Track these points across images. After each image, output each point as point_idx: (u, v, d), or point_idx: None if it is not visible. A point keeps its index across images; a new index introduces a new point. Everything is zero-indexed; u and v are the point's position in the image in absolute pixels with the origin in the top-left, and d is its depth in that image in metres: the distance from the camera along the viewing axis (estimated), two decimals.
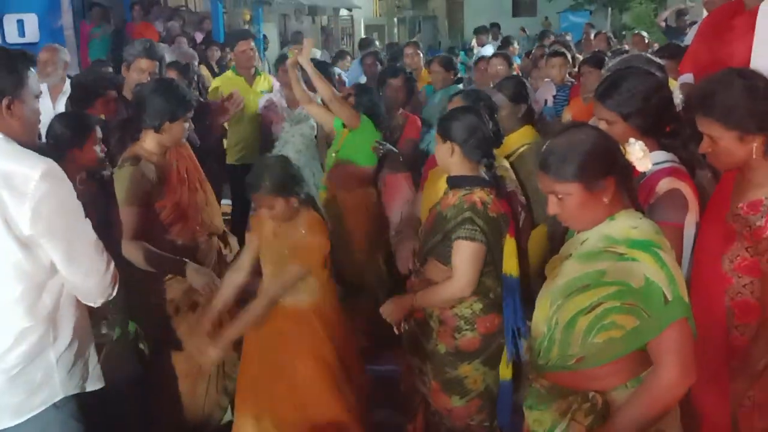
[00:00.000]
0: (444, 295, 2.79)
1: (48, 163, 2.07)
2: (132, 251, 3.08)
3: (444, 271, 2.81)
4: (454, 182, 2.83)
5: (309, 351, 2.96)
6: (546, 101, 5.47)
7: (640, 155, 2.01)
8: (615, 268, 1.92)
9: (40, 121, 2.33)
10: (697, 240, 2.39)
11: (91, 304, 2.26)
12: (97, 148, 3.18)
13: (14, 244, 2.06)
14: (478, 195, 2.76)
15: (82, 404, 2.27)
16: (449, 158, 2.80)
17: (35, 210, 2.03)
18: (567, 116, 4.79)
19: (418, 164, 4.23)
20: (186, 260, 3.16)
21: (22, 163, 2.05)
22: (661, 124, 2.50)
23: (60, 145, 3.08)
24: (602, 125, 2.45)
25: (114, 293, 2.28)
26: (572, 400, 2.01)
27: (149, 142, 3.18)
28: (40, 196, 2.03)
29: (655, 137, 2.46)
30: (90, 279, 2.18)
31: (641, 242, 1.92)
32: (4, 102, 2.09)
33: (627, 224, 1.97)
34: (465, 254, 2.72)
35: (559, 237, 2.56)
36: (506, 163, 3.28)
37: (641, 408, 1.91)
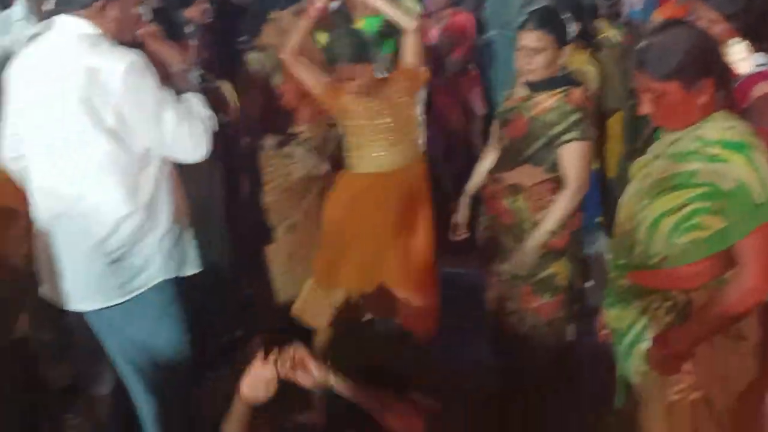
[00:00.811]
0: (567, 205, 2.78)
1: (133, 56, 2.16)
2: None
3: (538, 174, 2.83)
4: (546, 85, 2.80)
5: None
6: (632, 4, 5.26)
7: (741, 56, 1.96)
8: (706, 169, 1.89)
9: (139, 23, 2.43)
10: None
11: (191, 162, 2.36)
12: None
13: (104, 136, 2.16)
14: (578, 94, 2.76)
15: (180, 287, 2.41)
16: (551, 59, 2.76)
17: (121, 102, 2.13)
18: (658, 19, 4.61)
19: None
20: None
21: (108, 58, 2.14)
22: (763, 27, 2.41)
23: None
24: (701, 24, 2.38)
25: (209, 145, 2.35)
26: (653, 299, 2.03)
27: None
28: (125, 89, 2.12)
29: (756, 39, 2.37)
30: (187, 144, 2.27)
31: (735, 143, 1.88)
32: (100, 2, 2.18)
33: (721, 126, 1.93)
34: (579, 155, 2.75)
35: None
36: None
37: (722, 309, 1.91)
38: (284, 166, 3.43)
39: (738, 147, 1.88)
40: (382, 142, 3.11)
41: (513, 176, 2.90)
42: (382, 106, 3.09)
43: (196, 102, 2.37)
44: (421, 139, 3.18)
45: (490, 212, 3.04)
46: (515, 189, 2.90)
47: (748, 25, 2.36)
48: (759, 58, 2.34)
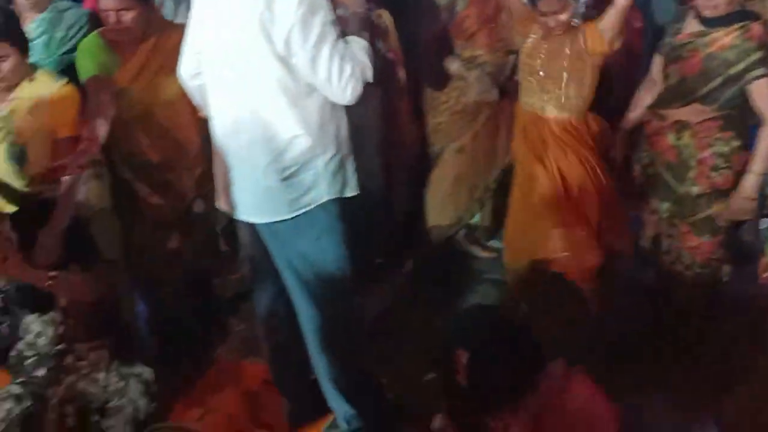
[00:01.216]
0: None
1: None
2: None
3: (707, 112, 2.76)
4: (722, 21, 2.70)
5: None
6: None
7: None
8: None
9: None
10: None
11: (342, 102, 2.38)
12: None
13: (276, 61, 2.24)
14: (757, 29, 2.65)
15: (342, 207, 2.49)
16: None
17: (290, 31, 2.19)
18: None
19: None
20: None
21: None
22: None
23: None
24: None
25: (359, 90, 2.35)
26: None
27: None
28: (294, 18, 2.17)
29: None
30: (336, 85, 2.28)
31: None
32: None
33: None
34: None
35: None
36: None
37: None
38: (458, 88, 3.47)
39: None
40: (537, 86, 3.05)
41: (680, 113, 2.83)
42: (554, 53, 2.99)
43: (358, 47, 2.39)
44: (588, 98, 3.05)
45: (653, 149, 2.98)
46: (681, 126, 2.83)
47: None
48: None
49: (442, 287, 3.58)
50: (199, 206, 3.05)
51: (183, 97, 2.70)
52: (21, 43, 2.71)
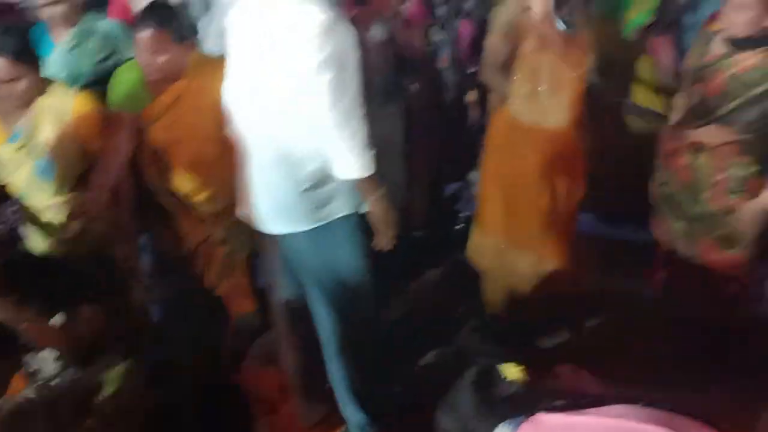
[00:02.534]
0: None
1: (328, 15, 2.21)
2: None
3: (726, 134, 2.79)
4: (750, 42, 2.72)
5: None
6: None
7: None
8: None
9: None
10: None
11: (345, 176, 2.33)
12: None
13: (293, 79, 2.25)
14: None
15: (362, 221, 2.53)
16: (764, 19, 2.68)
17: (303, 53, 2.20)
18: None
19: None
20: None
21: (307, 10, 2.21)
22: None
23: None
24: None
25: (371, 169, 2.31)
26: None
27: None
28: (308, 43, 2.19)
29: None
30: (342, 140, 2.26)
31: None
32: None
33: None
34: None
35: None
36: None
37: None
38: None
39: None
40: (533, 95, 3.05)
41: (699, 134, 2.86)
42: (550, 62, 3.02)
43: (358, 117, 2.32)
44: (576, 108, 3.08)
45: (669, 168, 3.01)
46: (698, 147, 2.86)
47: None
48: None
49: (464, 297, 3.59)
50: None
51: (209, 137, 2.79)
52: (35, 62, 2.74)
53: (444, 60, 4.53)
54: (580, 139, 3.12)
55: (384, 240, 2.52)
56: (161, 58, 2.80)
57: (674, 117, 3.06)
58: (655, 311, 3.26)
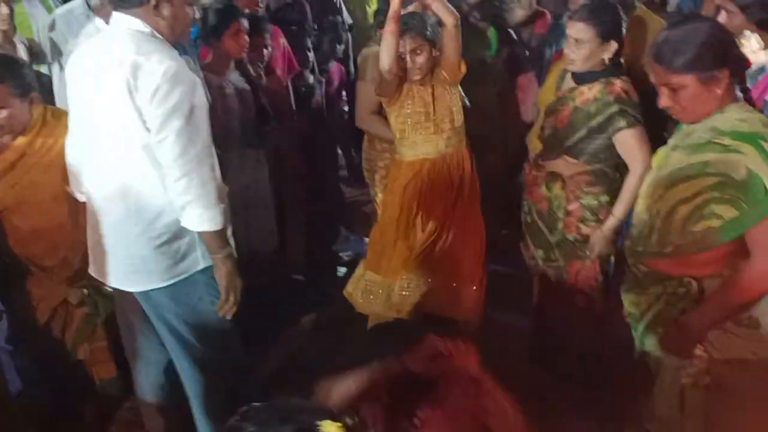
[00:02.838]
0: (634, 190, 2.68)
1: (174, 62, 2.20)
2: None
3: (574, 166, 2.91)
4: (589, 76, 2.84)
5: None
6: None
7: (755, 48, 1.97)
8: (718, 159, 1.93)
9: (191, 24, 2.49)
10: None
11: (193, 228, 2.29)
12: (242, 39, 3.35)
13: (142, 129, 2.21)
14: (619, 85, 2.79)
15: None
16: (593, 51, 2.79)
17: (150, 100, 2.17)
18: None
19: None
20: None
21: (150, 58, 2.18)
22: None
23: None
24: (721, 17, 2.39)
25: (221, 223, 2.28)
26: (668, 285, 2.09)
27: None
28: (155, 90, 2.16)
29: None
30: (191, 189, 2.22)
31: (747, 134, 1.91)
32: (153, 1, 2.24)
33: (735, 117, 1.96)
34: (633, 141, 2.77)
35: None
36: None
37: (732, 294, 1.96)
38: None
39: (749, 138, 1.91)
40: (424, 129, 3.15)
41: (553, 165, 2.98)
42: (428, 93, 3.14)
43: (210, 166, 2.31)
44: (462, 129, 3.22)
45: (529, 197, 3.13)
46: (554, 177, 2.97)
47: (765, 17, 2.34)
48: None
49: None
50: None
51: (57, 197, 2.68)
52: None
53: (318, 101, 4.59)
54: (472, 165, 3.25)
55: (226, 306, 2.44)
56: (1, 114, 2.68)
57: (533, 148, 3.19)
58: (531, 340, 3.36)
